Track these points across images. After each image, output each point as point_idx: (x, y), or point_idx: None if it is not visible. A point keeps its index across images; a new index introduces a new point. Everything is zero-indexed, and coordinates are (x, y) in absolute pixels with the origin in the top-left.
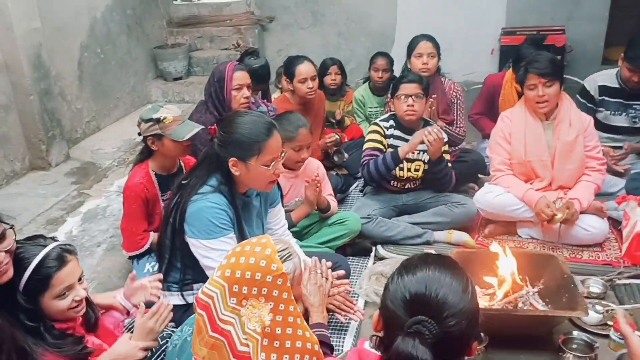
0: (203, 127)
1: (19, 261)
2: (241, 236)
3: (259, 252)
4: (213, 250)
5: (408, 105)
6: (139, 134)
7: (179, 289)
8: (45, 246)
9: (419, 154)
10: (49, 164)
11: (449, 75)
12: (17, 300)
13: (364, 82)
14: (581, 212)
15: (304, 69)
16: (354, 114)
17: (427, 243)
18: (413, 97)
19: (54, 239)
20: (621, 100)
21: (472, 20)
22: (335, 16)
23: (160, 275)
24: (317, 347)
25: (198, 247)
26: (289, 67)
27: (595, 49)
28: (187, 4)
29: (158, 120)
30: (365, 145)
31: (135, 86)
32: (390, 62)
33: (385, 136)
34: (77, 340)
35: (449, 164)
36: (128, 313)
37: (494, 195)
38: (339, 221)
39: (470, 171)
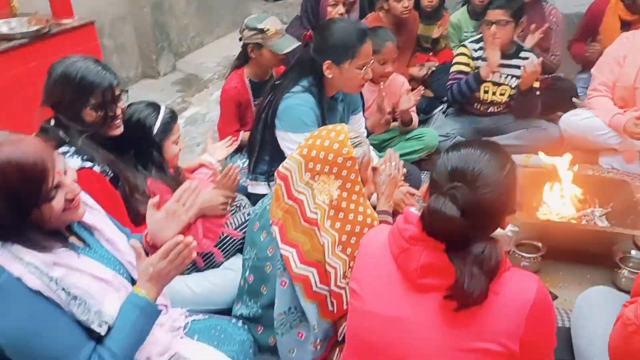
0: (301, 43)
1: (131, 117)
2: None
3: (334, 137)
4: (298, 144)
5: (492, 32)
6: (240, 39)
7: (266, 179)
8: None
9: (506, 78)
10: (158, 73)
11: (552, 1)
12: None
13: (462, 5)
14: None
15: None
16: (449, 38)
17: None
18: (496, 24)
19: None
20: None
21: None
22: None
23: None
24: (376, 222)
25: (285, 139)
26: None
27: None
28: None
29: (262, 31)
30: (452, 69)
31: (237, 5)
32: None
33: (473, 58)
34: (176, 172)
35: (537, 92)
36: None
37: (581, 118)
38: (417, 136)
39: (559, 99)
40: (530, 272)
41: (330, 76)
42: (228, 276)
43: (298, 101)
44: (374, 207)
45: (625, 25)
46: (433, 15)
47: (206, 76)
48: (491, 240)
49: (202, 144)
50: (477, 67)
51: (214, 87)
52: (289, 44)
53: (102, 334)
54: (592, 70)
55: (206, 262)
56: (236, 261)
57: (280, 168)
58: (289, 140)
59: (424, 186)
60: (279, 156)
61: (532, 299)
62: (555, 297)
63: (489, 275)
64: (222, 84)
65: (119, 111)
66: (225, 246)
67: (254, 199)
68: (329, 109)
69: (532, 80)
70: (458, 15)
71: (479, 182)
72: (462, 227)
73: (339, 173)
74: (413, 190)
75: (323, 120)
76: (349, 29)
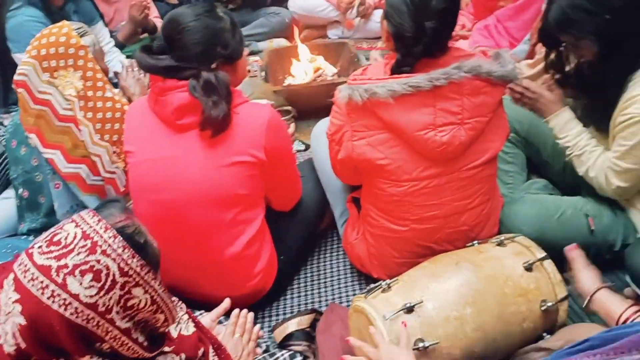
0: None
1: None
2: None
3: (57, 32)
4: None
5: None
6: None
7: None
8: None
9: None
10: None
11: None
12: None
13: None
14: (375, 7)
15: None
16: None
17: (253, 53)
18: None
19: None
20: None
21: None
22: None
23: None
24: (126, 107)
25: None
26: None
27: None
28: None
29: None
30: None
31: None
32: None
33: None
34: None
35: None
36: None
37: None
38: None
39: None
40: (263, 103)
41: None
42: (3, 205)
43: (25, 17)
44: None
45: None
46: None
47: None
48: (216, 70)
49: None
50: None
51: None
52: None
53: None
54: None
55: None
56: (10, 192)
57: (16, 76)
58: None
59: None
60: None
61: (268, 116)
62: (307, 147)
63: (227, 99)
64: None
65: None
66: None
67: None
68: (63, 20)
69: None
70: None
71: (180, 25)
72: (177, 64)
73: (76, 64)
74: None
75: None
76: None
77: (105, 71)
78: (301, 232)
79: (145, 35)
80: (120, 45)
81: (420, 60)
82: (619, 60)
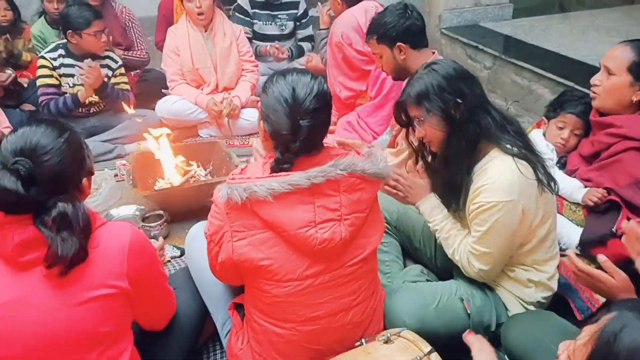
0: None
1: None
2: None
3: None
4: None
5: (103, 41)
6: None
7: None
8: None
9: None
10: None
11: (119, 0)
12: None
13: (39, 17)
14: (242, 107)
15: None
16: (36, 51)
17: (120, 156)
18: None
19: None
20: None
21: None
22: None
23: None
24: None
25: None
26: None
27: None
28: None
29: None
30: (38, 83)
31: None
32: None
33: (54, 67)
34: None
35: (126, 84)
36: None
37: (171, 103)
38: None
39: (152, 89)
40: (123, 222)
41: None
42: None
43: None
44: None
45: None
46: (11, 29)
47: None
48: (74, 201)
49: None
50: (63, 75)
51: None
52: None
53: None
54: (162, 66)
55: None
56: None
57: None
58: None
59: None
60: None
61: (129, 240)
62: (183, 252)
63: (83, 234)
64: None
65: None
66: None
67: None
68: None
69: (99, 81)
70: (39, 26)
71: (38, 151)
72: (32, 197)
73: None
74: None
75: None
76: None
77: None
78: (179, 349)
79: None
80: None
81: (298, 158)
82: (459, 145)
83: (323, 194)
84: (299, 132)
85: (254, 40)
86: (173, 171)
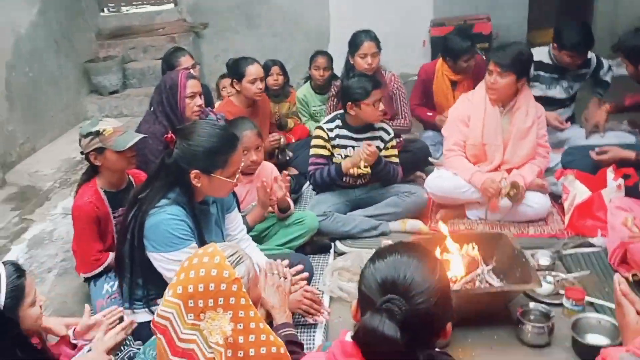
0: (145, 135)
1: None
2: (202, 245)
3: (208, 262)
4: (176, 262)
5: (380, 110)
6: (81, 153)
7: (145, 305)
8: None
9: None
10: None
11: (387, 68)
12: None
13: (305, 82)
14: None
15: (254, 70)
16: (298, 113)
17: (384, 234)
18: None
19: None
20: (555, 75)
21: (402, 14)
22: (270, 17)
23: (121, 313)
24: (282, 349)
25: (160, 260)
26: (236, 69)
27: (519, 33)
28: (116, 14)
29: (98, 133)
30: (311, 152)
31: (68, 103)
32: (330, 59)
33: (330, 139)
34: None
35: (396, 157)
36: (75, 347)
37: (444, 180)
38: (297, 221)
39: (416, 160)
40: None
41: (199, 185)
42: None
43: (166, 215)
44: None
45: (453, 85)
46: (280, 93)
47: (45, 186)
48: (436, 352)
49: (54, 270)
50: (337, 146)
51: (57, 197)
52: (131, 138)
53: None
54: (443, 132)
55: None
56: None
57: (155, 317)
58: (164, 261)
59: (354, 303)
60: (155, 278)
61: None
62: None
63: None
64: (66, 192)
65: None
66: None
67: (137, 330)
68: (202, 214)
69: (374, 158)
70: (304, 91)
71: (413, 290)
72: (404, 345)
73: (227, 303)
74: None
75: (198, 230)
76: (217, 136)
77: (257, 300)
78: None
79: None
80: (248, 228)
81: None
82: None
83: None
84: None
85: None
86: (459, 263)
